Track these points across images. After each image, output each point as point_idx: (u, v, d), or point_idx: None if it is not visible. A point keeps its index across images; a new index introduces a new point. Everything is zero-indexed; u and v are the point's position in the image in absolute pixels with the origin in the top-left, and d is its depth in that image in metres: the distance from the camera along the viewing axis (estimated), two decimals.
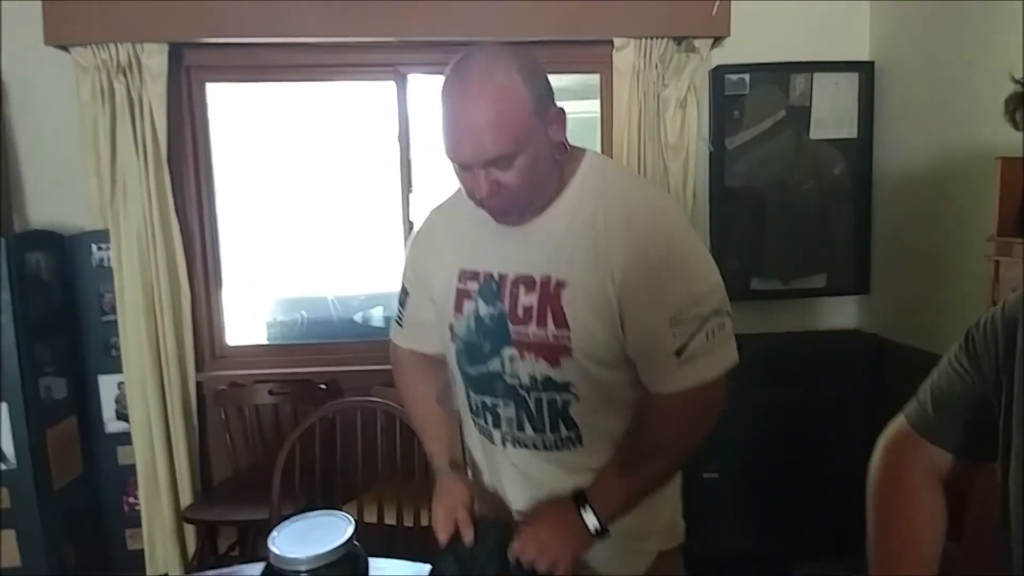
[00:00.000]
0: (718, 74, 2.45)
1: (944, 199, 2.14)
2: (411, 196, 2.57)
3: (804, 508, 2.36)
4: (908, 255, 2.36)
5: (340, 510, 1.04)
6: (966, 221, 2.01)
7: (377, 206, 2.65)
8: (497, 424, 1.05)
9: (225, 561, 2.35)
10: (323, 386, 2.46)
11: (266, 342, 2.98)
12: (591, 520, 0.96)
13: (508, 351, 1.00)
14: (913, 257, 2.32)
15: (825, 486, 2.40)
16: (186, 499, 2.40)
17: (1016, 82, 0.67)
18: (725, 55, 2.45)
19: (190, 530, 2.43)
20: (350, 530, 0.90)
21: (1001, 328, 0.75)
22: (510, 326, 1.00)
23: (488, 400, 1.05)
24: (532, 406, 1.01)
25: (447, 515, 1.01)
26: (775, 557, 2.39)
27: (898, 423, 0.87)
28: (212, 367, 2.56)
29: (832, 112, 2.49)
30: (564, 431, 1.02)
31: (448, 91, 0.90)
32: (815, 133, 2.49)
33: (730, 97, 2.46)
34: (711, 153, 2.48)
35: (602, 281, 0.94)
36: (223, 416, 2.45)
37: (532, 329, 0.98)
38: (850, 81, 2.47)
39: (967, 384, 0.79)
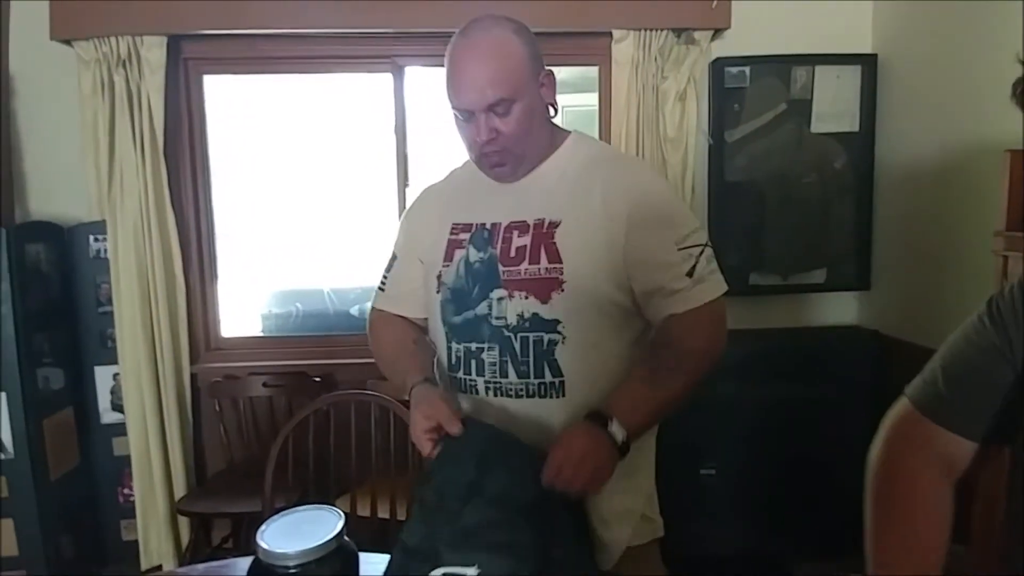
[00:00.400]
0: (718, 66, 2.43)
1: (947, 193, 2.12)
2: (407, 189, 2.55)
3: (803, 506, 2.35)
4: (910, 250, 2.34)
5: (333, 503, 1.03)
6: (969, 216, 1.99)
7: (374, 199, 2.63)
8: (480, 371, 1.05)
9: (219, 553, 2.35)
10: (318, 379, 2.46)
11: (261, 334, 2.97)
12: (618, 432, 0.93)
13: (497, 292, 1.03)
14: (915, 252, 2.30)
15: (824, 484, 2.39)
16: (180, 491, 2.40)
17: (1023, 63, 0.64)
18: (725, 47, 2.43)
19: (184, 522, 2.43)
20: (340, 525, 0.89)
21: None
22: (500, 268, 1.04)
23: (473, 346, 1.05)
24: (517, 348, 1.02)
25: (427, 420, 0.97)
26: (773, 555, 2.39)
27: (901, 405, 0.80)
28: (207, 359, 2.56)
29: (834, 105, 2.46)
30: (548, 376, 1.02)
31: (453, 48, 1.02)
32: (816, 127, 2.47)
33: (730, 90, 2.44)
34: (710, 146, 2.46)
35: (600, 219, 1.01)
36: (217, 408, 2.44)
37: (524, 266, 1.02)
38: (852, 74, 2.45)
39: (989, 357, 0.72)
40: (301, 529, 0.87)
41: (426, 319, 1.16)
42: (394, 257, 1.21)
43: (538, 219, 1.04)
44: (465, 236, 1.09)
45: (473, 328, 1.05)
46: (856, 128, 2.47)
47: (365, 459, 2.02)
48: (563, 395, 1.02)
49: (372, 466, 1.99)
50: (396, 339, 1.18)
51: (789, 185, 2.49)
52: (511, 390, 1.03)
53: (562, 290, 1.00)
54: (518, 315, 1.01)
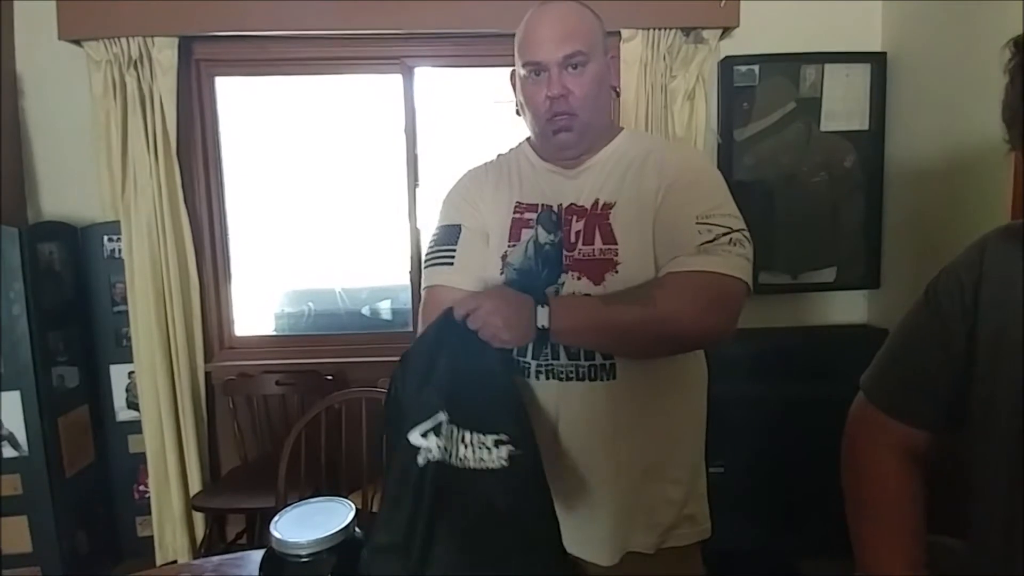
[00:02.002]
0: (727, 65, 2.43)
1: (957, 192, 2.11)
2: (417, 190, 2.57)
3: (810, 504, 2.34)
4: (920, 249, 2.33)
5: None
6: (979, 214, 1.98)
7: (384, 200, 2.65)
8: (536, 354, 1.03)
9: (233, 548, 2.38)
10: (329, 377, 2.48)
11: (274, 333, 3.00)
12: (543, 316, 0.92)
13: (562, 278, 1.03)
14: (925, 251, 2.29)
15: (832, 482, 2.38)
16: (195, 487, 2.43)
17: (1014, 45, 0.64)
18: (734, 46, 2.43)
19: (199, 518, 2.46)
20: (351, 516, 0.90)
21: (965, 278, 0.70)
22: (564, 253, 1.04)
23: None
24: None
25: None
26: (781, 553, 2.38)
27: (858, 400, 0.82)
28: (221, 357, 2.59)
29: (843, 104, 2.46)
30: (599, 358, 1.01)
31: (530, 15, 1.05)
32: (826, 125, 2.47)
33: (739, 88, 2.44)
34: (719, 145, 2.47)
35: (651, 198, 1.02)
36: (231, 406, 2.47)
37: (580, 248, 1.03)
38: (862, 72, 2.44)
39: (928, 344, 0.74)
40: (313, 520, 0.89)
41: None
42: (457, 228, 1.09)
43: (593, 202, 1.05)
44: (531, 216, 1.06)
45: None
46: (866, 126, 2.47)
47: (376, 455, 2.03)
48: (613, 377, 1.01)
49: (383, 462, 2.01)
50: None
51: (798, 184, 2.49)
52: (562, 372, 1.02)
53: (616, 271, 1.00)
54: (573, 296, 1.01)
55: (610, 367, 1.01)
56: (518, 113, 1.13)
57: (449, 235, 1.10)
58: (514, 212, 1.08)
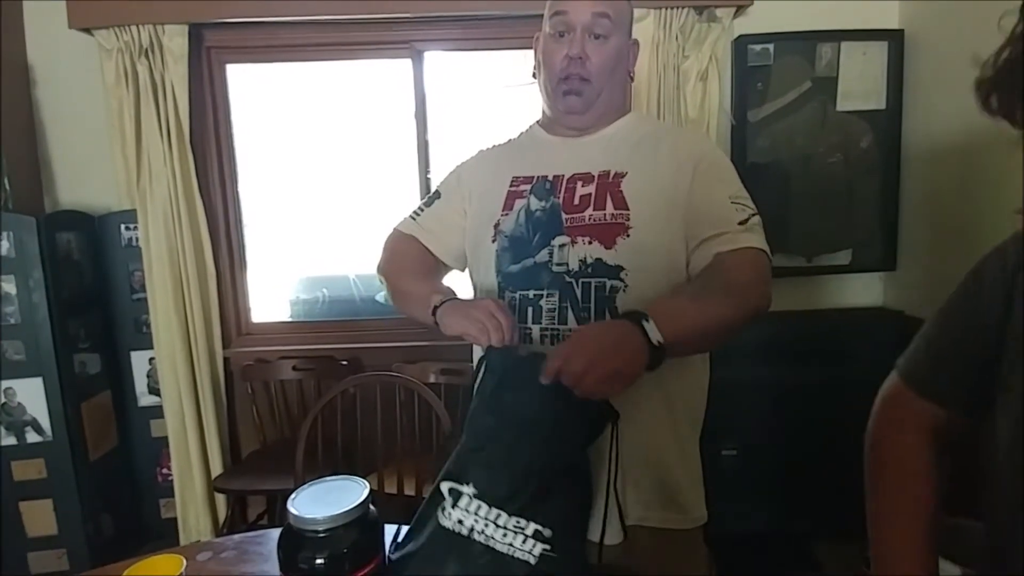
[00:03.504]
0: (741, 44, 2.40)
1: (975, 172, 2.07)
2: (428, 175, 2.58)
3: (824, 487, 2.34)
4: (937, 230, 2.29)
5: None
6: (998, 195, 1.94)
7: (396, 185, 2.66)
8: (537, 318, 1.01)
9: (254, 528, 2.42)
10: (345, 362, 2.51)
11: (290, 319, 3.04)
12: (653, 332, 0.81)
13: (559, 240, 1.02)
14: (942, 232, 2.26)
15: (846, 465, 2.37)
16: (216, 470, 2.48)
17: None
18: (748, 24, 2.39)
19: (221, 499, 2.51)
20: (365, 493, 0.92)
21: (1010, 261, 0.69)
22: (563, 216, 1.03)
23: (531, 293, 1.02)
24: (579, 293, 0.99)
25: (487, 313, 0.89)
26: (793, 535, 2.38)
27: (891, 377, 0.82)
28: (239, 344, 2.63)
29: (860, 83, 2.42)
30: None
31: None
32: (842, 105, 2.43)
33: (753, 68, 2.41)
34: (733, 126, 2.43)
35: (666, 170, 1.03)
36: (250, 391, 2.51)
37: (589, 212, 1.02)
38: (879, 50, 2.40)
39: (968, 327, 0.73)
40: (329, 497, 0.91)
41: (444, 266, 1.18)
42: (437, 194, 1.20)
43: (603, 170, 1.05)
44: (526, 187, 1.08)
45: (531, 275, 1.02)
46: (883, 106, 2.42)
47: (391, 439, 2.06)
48: None
49: (398, 445, 2.04)
50: (420, 259, 1.17)
51: (814, 165, 2.46)
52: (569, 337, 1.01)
53: (628, 235, 0.99)
54: (580, 260, 1.00)
55: None
56: (534, 75, 1.13)
57: (429, 199, 1.21)
58: (511, 185, 1.10)
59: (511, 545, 0.81)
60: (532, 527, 0.81)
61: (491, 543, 0.82)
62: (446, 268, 1.21)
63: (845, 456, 2.47)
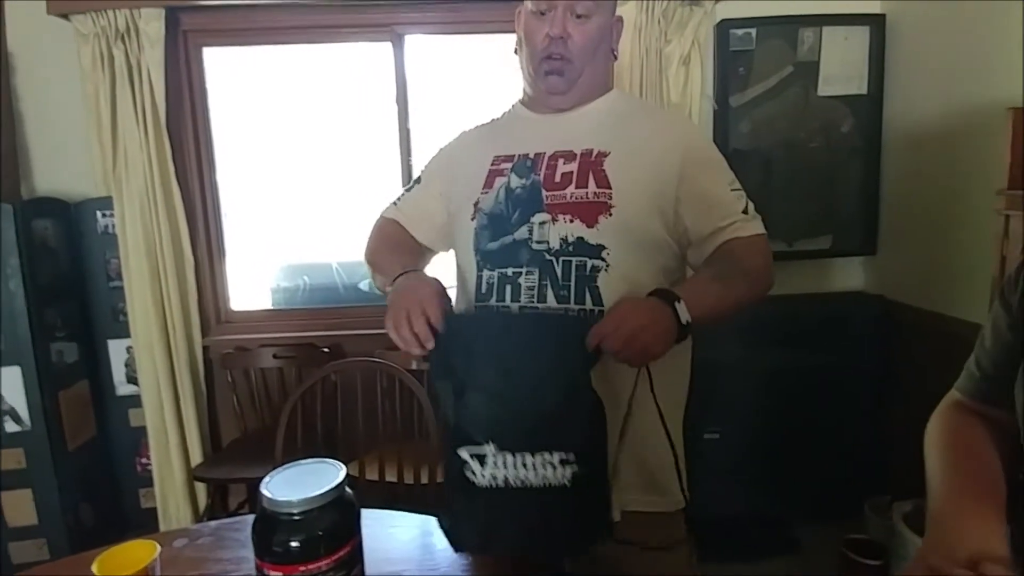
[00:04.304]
0: (723, 29, 2.39)
1: (955, 157, 2.09)
2: (411, 160, 2.55)
3: (806, 469, 2.37)
4: (917, 215, 2.31)
5: None
6: (977, 180, 1.96)
7: (377, 171, 2.63)
8: (516, 296, 1.00)
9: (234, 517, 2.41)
10: (326, 350, 2.49)
11: (270, 307, 3.01)
12: (683, 312, 0.89)
13: (539, 217, 1.01)
14: (922, 217, 2.28)
15: (828, 448, 2.40)
16: (196, 459, 2.46)
17: None
18: (730, 8, 2.39)
19: (201, 488, 2.50)
20: (342, 475, 0.91)
21: None
22: (544, 193, 1.03)
23: (509, 271, 1.01)
24: (559, 271, 0.99)
25: (417, 310, 0.92)
26: (776, 517, 2.41)
27: (948, 397, 0.85)
28: (218, 332, 2.60)
29: (841, 67, 2.42)
30: (589, 303, 0.98)
31: None
32: (823, 89, 2.43)
33: (735, 53, 2.41)
34: (715, 111, 2.43)
35: (651, 151, 1.03)
36: (230, 379, 2.49)
37: (571, 190, 1.02)
38: (860, 35, 2.40)
39: (1008, 336, 0.76)
40: (304, 480, 0.89)
41: (428, 249, 1.20)
42: (418, 180, 1.23)
43: (586, 149, 1.05)
44: (507, 165, 1.08)
45: (510, 253, 1.02)
46: (864, 91, 2.43)
47: (372, 426, 2.05)
48: None
49: (379, 432, 2.03)
50: (401, 240, 1.19)
51: (795, 149, 2.46)
52: None
53: (610, 215, 0.99)
54: (562, 239, 0.99)
55: (599, 313, 0.97)
56: (516, 52, 1.13)
57: (411, 185, 1.24)
58: (491, 165, 1.10)
59: (545, 477, 0.88)
60: (557, 456, 0.88)
61: (528, 483, 0.88)
62: (430, 252, 1.22)
63: (826, 439, 2.51)
